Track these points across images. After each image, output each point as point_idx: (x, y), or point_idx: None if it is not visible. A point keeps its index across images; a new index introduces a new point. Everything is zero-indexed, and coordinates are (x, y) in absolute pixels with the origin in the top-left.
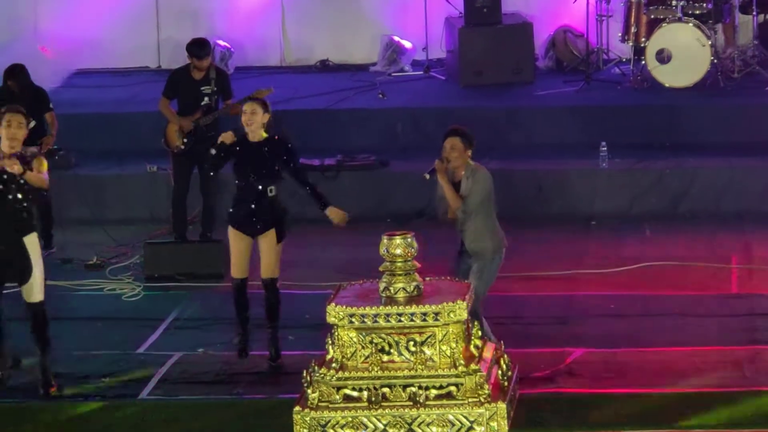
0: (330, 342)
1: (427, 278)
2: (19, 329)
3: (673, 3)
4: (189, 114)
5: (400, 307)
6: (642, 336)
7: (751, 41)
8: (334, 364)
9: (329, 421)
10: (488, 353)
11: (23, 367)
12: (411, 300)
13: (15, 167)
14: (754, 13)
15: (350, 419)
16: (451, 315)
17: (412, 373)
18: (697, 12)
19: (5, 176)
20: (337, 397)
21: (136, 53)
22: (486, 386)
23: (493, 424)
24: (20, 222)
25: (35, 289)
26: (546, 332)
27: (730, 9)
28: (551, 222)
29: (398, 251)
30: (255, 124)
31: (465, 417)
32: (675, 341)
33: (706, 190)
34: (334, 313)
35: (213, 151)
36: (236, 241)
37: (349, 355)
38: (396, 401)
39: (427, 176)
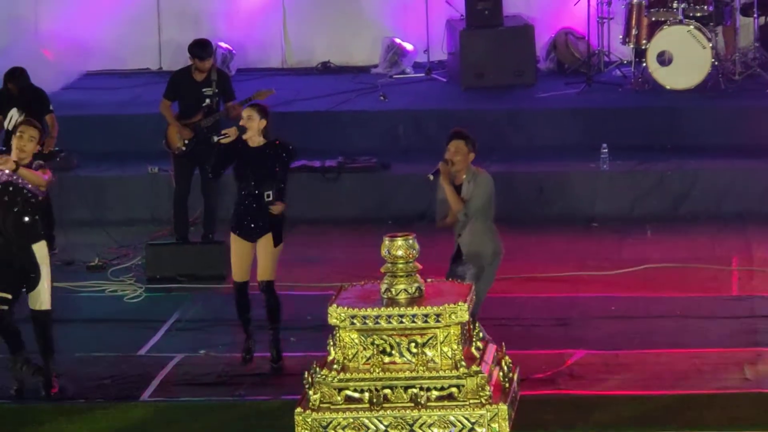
0: (331, 343)
1: (429, 280)
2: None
3: (674, 5)
4: (190, 115)
5: (401, 309)
6: (643, 338)
7: (752, 43)
8: (335, 366)
9: (331, 422)
10: (489, 355)
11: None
12: (412, 301)
13: (8, 164)
14: (755, 15)
15: (351, 420)
16: (453, 316)
17: (414, 374)
18: (698, 14)
19: (11, 188)
20: (339, 398)
21: (138, 55)
22: (487, 388)
23: (495, 425)
24: (28, 232)
25: (42, 297)
26: (547, 334)
27: (731, 11)
28: (552, 224)
29: (400, 253)
30: (251, 130)
31: (466, 418)
32: (676, 343)
33: (707, 191)
34: (335, 314)
35: (215, 138)
36: (237, 245)
37: (350, 357)
38: (397, 402)
39: (431, 177)
